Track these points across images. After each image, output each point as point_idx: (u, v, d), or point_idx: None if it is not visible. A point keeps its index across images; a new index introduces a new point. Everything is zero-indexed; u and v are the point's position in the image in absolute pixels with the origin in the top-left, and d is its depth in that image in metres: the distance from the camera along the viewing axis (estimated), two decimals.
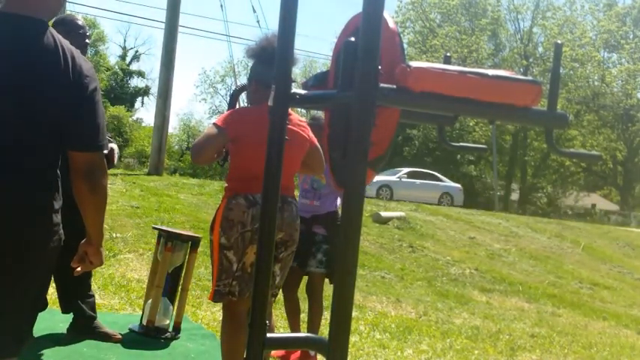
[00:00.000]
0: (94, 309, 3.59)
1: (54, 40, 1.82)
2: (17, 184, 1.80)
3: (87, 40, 3.39)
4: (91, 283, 3.67)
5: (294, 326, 3.87)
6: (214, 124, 2.81)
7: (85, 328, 3.55)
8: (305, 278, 3.95)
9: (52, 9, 1.94)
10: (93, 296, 3.61)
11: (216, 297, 2.84)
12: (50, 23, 1.92)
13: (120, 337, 3.62)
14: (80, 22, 3.36)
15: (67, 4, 13.39)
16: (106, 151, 3.30)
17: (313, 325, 3.78)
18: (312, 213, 3.81)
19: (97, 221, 1.95)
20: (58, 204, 1.88)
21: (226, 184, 2.91)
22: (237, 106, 3.23)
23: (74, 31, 3.25)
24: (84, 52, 3.34)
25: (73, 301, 3.51)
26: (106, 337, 3.58)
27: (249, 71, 3.03)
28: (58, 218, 1.88)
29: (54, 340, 3.48)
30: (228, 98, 3.25)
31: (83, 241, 1.98)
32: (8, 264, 1.79)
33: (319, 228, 3.78)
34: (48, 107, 1.81)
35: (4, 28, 1.81)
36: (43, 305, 3.15)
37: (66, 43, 1.86)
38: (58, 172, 1.90)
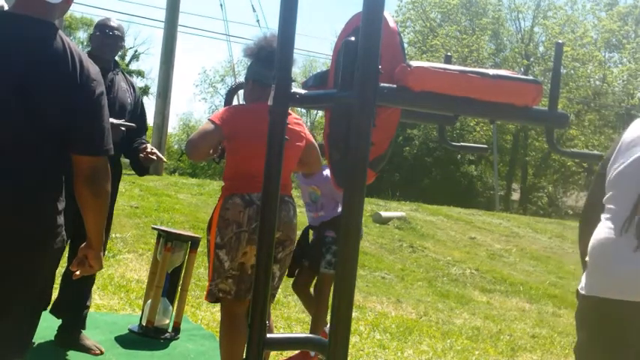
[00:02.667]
0: (84, 322, 3.48)
1: (62, 42, 1.82)
2: (20, 184, 1.79)
3: (121, 43, 3.46)
4: (91, 293, 3.59)
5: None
6: (210, 120, 2.81)
7: (69, 339, 3.43)
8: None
9: (61, 11, 1.95)
10: (88, 308, 3.50)
11: (209, 297, 2.84)
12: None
13: (99, 352, 3.43)
14: (112, 24, 3.41)
15: None
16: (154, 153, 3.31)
17: (317, 325, 3.78)
18: (320, 221, 3.91)
19: (98, 225, 1.95)
20: (61, 205, 1.88)
21: (223, 184, 2.90)
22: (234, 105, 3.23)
23: (103, 32, 3.35)
24: (115, 53, 3.42)
25: (68, 308, 3.42)
26: (85, 350, 3.41)
27: (246, 70, 3.03)
28: (61, 219, 1.88)
29: (53, 340, 3.46)
30: (225, 95, 3.27)
31: (83, 245, 1.98)
32: (10, 265, 1.78)
33: (329, 231, 3.85)
34: (53, 109, 1.80)
35: (14, 29, 1.81)
36: (46, 304, 3.12)
37: (74, 45, 1.86)
38: (62, 174, 1.90)
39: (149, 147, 3.38)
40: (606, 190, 1.93)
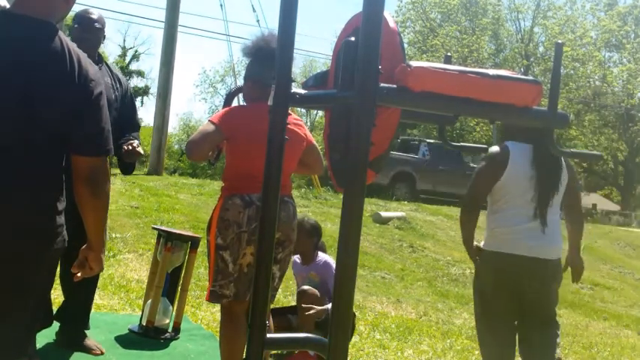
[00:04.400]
0: (87, 323, 3.46)
1: (61, 43, 1.83)
2: (19, 184, 1.79)
3: (102, 35, 3.27)
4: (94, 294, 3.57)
5: None
6: (210, 121, 2.80)
7: (70, 340, 3.41)
8: None
9: (60, 12, 1.95)
10: (90, 309, 3.49)
11: (211, 297, 2.83)
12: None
13: (100, 353, 3.42)
14: (92, 16, 3.24)
15: None
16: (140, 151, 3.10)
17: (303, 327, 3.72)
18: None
19: (98, 227, 1.94)
20: (61, 205, 1.88)
21: (223, 184, 2.90)
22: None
23: (89, 26, 3.20)
24: (96, 46, 3.25)
25: (70, 310, 3.40)
26: (86, 350, 3.40)
27: (245, 70, 3.02)
28: (61, 219, 1.88)
29: (53, 341, 3.46)
30: (224, 98, 3.23)
31: (84, 247, 1.97)
32: (10, 265, 1.78)
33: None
34: (52, 109, 1.80)
35: (13, 29, 1.82)
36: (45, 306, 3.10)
37: (73, 46, 1.87)
38: (63, 174, 1.90)
39: (135, 142, 3.22)
40: (503, 191, 3.08)
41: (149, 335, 3.80)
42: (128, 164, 3.33)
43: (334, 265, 4.00)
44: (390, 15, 1.57)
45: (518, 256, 3.01)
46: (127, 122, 3.31)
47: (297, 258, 3.96)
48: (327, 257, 3.90)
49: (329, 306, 3.71)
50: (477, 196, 3.16)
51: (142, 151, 3.28)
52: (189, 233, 4.47)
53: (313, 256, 3.87)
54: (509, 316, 3.14)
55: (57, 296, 3.65)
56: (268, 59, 2.75)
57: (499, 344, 3.14)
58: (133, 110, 3.45)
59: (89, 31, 3.18)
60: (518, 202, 3.07)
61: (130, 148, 3.18)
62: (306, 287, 3.75)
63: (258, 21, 19.45)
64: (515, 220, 3.06)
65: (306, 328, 3.62)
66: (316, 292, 3.71)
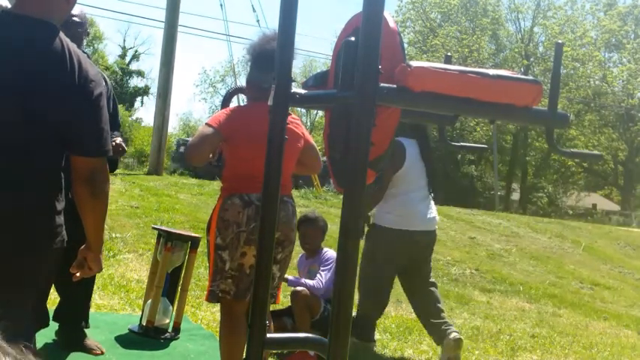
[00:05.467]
0: (87, 321, 3.46)
1: (62, 43, 1.83)
2: (19, 184, 1.79)
3: (82, 29, 3.21)
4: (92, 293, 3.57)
5: None
6: (207, 124, 2.80)
7: (70, 339, 3.40)
8: None
9: (62, 12, 1.95)
10: (89, 308, 3.49)
11: (210, 297, 2.84)
12: None
13: (100, 353, 3.41)
14: (73, 11, 3.18)
15: None
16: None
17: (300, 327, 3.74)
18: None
19: (97, 227, 1.94)
20: (60, 205, 1.88)
21: (222, 184, 2.90)
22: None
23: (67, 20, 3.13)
24: (79, 41, 3.19)
25: (69, 310, 3.39)
26: (86, 350, 3.39)
27: (247, 71, 3.02)
28: (60, 219, 1.88)
29: (53, 341, 3.46)
30: (222, 99, 3.24)
31: (82, 247, 1.97)
32: (9, 265, 1.78)
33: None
34: (52, 110, 1.80)
35: (14, 29, 1.82)
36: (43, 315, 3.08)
37: (73, 46, 1.87)
38: (62, 174, 1.90)
39: (118, 139, 3.27)
40: (401, 178, 3.96)
41: (149, 335, 3.80)
42: (112, 161, 3.35)
43: (334, 256, 4.06)
44: (390, 15, 1.57)
45: (413, 231, 3.94)
46: (111, 122, 3.34)
47: (304, 255, 4.09)
48: (330, 250, 3.96)
49: (287, 276, 3.81)
50: (387, 183, 3.98)
51: (125, 147, 3.34)
52: (189, 233, 4.47)
53: (318, 251, 3.98)
54: (393, 274, 4.12)
55: (56, 296, 3.64)
56: (266, 62, 2.75)
57: (383, 288, 4.08)
58: (115, 110, 3.52)
59: (70, 29, 3.12)
60: (413, 186, 3.97)
61: (114, 144, 3.22)
62: (299, 289, 3.78)
63: (258, 21, 19.46)
64: (413, 202, 3.96)
65: (302, 328, 3.63)
66: (308, 292, 3.75)
